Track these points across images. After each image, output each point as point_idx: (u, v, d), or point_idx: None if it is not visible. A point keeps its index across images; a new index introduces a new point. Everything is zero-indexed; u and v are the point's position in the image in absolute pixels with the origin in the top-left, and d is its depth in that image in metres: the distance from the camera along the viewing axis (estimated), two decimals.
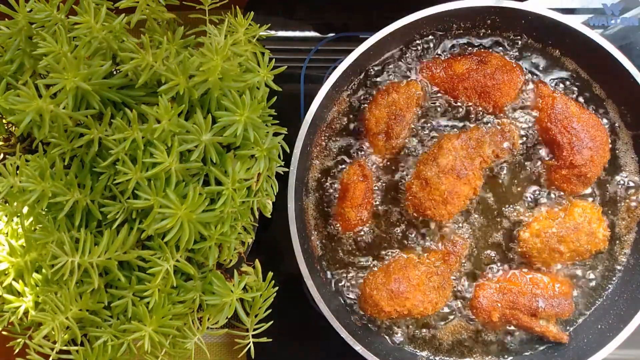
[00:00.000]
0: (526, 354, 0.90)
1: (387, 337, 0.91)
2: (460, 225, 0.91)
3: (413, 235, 0.91)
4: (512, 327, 0.89)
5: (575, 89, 0.92)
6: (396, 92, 0.90)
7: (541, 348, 0.90)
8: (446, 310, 0.90)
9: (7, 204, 0.68)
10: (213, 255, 0.71)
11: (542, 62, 0.92)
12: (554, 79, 0.92)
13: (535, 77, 0.92)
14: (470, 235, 0.91)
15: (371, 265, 0.91)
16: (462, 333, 0.90)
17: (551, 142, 0.89)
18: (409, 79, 0.93)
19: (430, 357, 0.90)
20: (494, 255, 0.90)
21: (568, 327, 0.91)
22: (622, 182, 0.91)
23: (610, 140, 0.90)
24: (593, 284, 0.90)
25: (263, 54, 0.73)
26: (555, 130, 0.88)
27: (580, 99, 0.92)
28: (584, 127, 0.87)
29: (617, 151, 0.91)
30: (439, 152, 0.87)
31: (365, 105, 0.93)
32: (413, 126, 0.92)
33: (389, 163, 0.92)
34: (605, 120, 0.91)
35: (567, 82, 0.92)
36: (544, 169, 0.90)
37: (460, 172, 0.86)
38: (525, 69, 0.92)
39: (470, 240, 0.90)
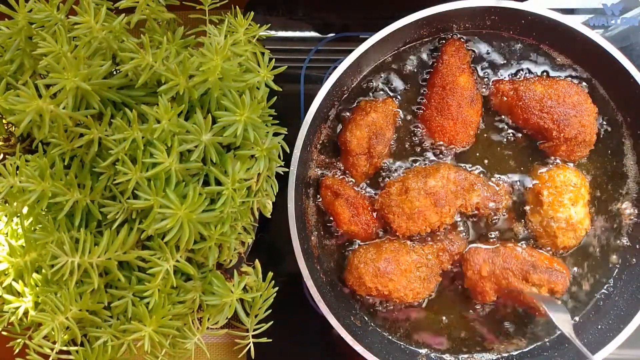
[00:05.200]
0: (525, 350, 0.90)
1: (386, 334, 0.91)
2: (463, 227, 0.91)
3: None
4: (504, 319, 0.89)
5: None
6: (374, 111, 0.90)
7: (539, 346, 0.90)
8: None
9: (7, 204, 0.68)
10: (213, 255, 0.71)
11: (539, 61, 0.92)
12: (512, 70, 0.93)
13: (490, 76, 0.92)
14: (469, 237, 0.91)
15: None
16: (460, 331, 0.91)
17: (537, 129, 0.89)
18: (387, 97, 0.93)
19: (431, 355, 0.90)
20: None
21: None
22: (621, 182, 0.91)
23: (597, 112, 0.89)
24: (592, 283, 0.90)
25: (263, 54, 0.73)
26: (534, 118, 0.87)
27: (546, 70, 0.92)
28: (558, 100, 0.86)
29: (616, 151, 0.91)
30: (433, 174, 0.86)
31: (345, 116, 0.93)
32: (392, 143, 0.92)
33: (370, 181, 0.93)
34: (603, 118, 0.91)
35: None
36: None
37: (439, 202, 0.85)
38: (478, 71, 0.92)
39: (468, 242, 0.91)
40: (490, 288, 0.86)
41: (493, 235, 0.90)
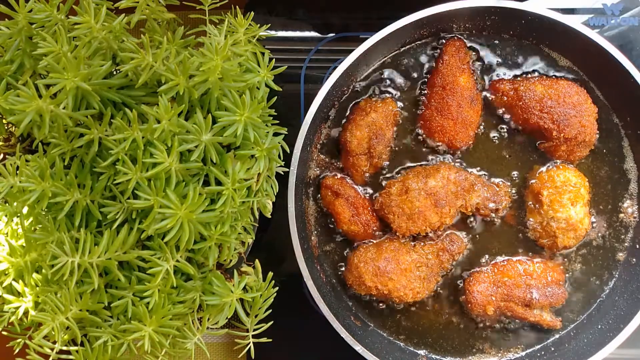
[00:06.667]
0: (527, 352, 0.90)
1: (386, 334, 0.91)
2: (463, 228, 0.91)
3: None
4: (506, 320, 0.90)
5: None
6: (374, 111, 0.90)
7: (539, 346, 0.90)
8: (440, 301, 0.91)
9: (7, 204, 0.68)
10: (213, 255, 0.71)
11: (539, 61, 0.92)
12: (512, 70, 0.93)
13: (490, 76, 0.92)
14: (471, 240, 0.91)
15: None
16: (460, 332, 0.91)
17: (537, 129, 0.89)
18: (387, 96, 0.93)
19: (430, 356, 0.91)
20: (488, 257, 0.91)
21: (569, 324, 0.91)
22: (621, 182, 0.91)
23: (597, 112, 0.89)
24: (593, 283, 0.91)
25: (263, 54, 0.73)
26: (534, 118, 0.87)
27: (546, 70, 0.92)
28: (558, 100, 0.86)
29: (616, 151, 0.91)
30: (433, 174, 0.86)
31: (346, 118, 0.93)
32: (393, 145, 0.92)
33: (370, 181, 0.93)
34: (603, 118, 0.91)
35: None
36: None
37: (439, 202, 0.85)
38: (478, 71, 0.92)
39: (468, 242, 0.91)
40: (494, 317, 0.89)
41: (491, 241, 0.91)
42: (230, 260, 0.79)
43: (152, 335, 0.65)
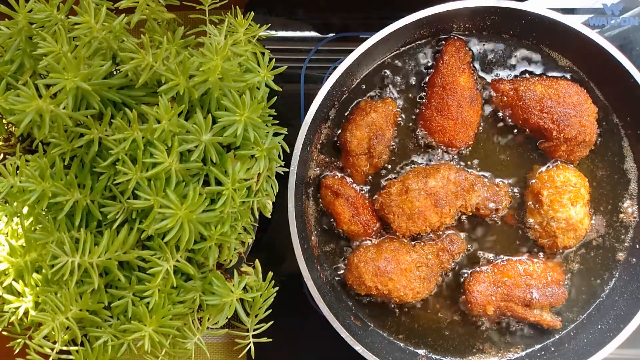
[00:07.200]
0: (527, 352, 0.90)
1: (385, 334, 0.91)
2: (463, 228, 0.91)
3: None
4: (506, 319, 0.90)
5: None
6: (374, 111, 0.90)
7: (539, 346, 0.90)
8: (440, 300, 0.91)
9: (7, 204, 0.68)
10: (213, 255, 0.71)
11: (539, 61, 0.92)
12: (512, 70, 0.92)
13: (490, 76, 0.92)
14: (470, 239, 0.91)
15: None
16: (460, 332, 0.91)
17: (537, 129, 0.89)
18: (387, 97, 0.93)
19: (430, 356, 0.91)
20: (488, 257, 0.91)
21: (569, 324, 0.91)
22: (621, 182, 0.91)
23: (597, 113, 0.89)
24: (593, 283, 0.91)
25: (263, 54, 0.73)
26: (534, 118, 0.87)
27: (546, 70, 0.92)
28: (558, 100, 0.87)
29: (616, 151, 0.91)
30: (433, 174, 0.86)
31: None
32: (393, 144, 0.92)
33: (370, 181, 0.93)
34: (603, 118, 0.91)
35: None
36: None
37: (439, 202, 0.85)
38: (478, 71, 0.92)
39: (468, 242, 0.91)
40: (494, 317, 0.89)
41: (491, 241, 0.91)
42: (230, 260, 0.79)
43: (152, 335, 0.65)
